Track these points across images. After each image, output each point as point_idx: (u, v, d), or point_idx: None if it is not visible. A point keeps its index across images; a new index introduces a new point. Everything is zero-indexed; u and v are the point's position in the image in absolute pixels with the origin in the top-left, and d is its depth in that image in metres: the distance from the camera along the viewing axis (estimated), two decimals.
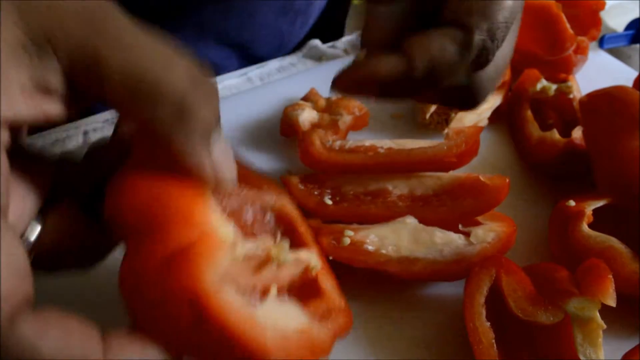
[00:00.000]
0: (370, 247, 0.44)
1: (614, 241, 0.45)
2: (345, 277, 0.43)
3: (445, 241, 0.44)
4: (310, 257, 0.37)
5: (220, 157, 0.28)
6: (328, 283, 0.39)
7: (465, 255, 0.44)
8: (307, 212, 0.46)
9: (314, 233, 0.44)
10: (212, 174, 0.28)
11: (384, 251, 0.44)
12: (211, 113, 0.27)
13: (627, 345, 0.41)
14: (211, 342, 0.27)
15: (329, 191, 0.48)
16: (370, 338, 0.44)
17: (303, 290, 0.36)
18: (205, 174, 0.28)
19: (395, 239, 0.44)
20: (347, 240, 0.44)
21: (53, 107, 0.26)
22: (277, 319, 0.30)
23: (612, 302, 0.39)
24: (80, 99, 0.27)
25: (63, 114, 0.27)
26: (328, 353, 0.34)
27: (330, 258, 0.43)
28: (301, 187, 0.48)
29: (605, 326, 0.39)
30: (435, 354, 0.43)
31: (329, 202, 0.47)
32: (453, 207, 0.46)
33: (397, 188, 0.49)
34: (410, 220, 0.45)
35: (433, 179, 0.49)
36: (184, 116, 0.26)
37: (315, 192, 0.48)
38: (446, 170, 0.49)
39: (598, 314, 0.39)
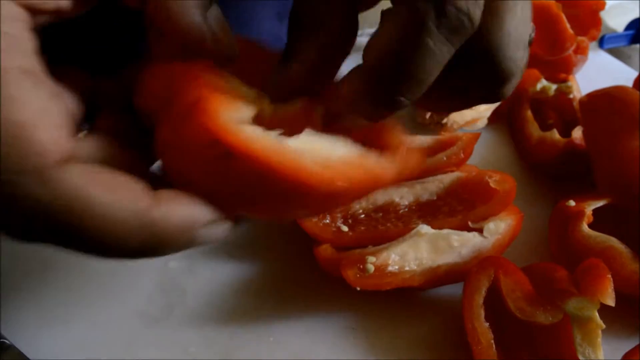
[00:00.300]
0: (394, 268, 0.44)
1: (614, 241, 0.45)
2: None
3: (462, 242, 0.45)
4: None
5: (216, 24, 0.28)
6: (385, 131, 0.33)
7: (482, 251, 0.45)
8: (320, 241, 0.46)
9: (331, 263, 0.44)
10: (210, 36, 0.28)
11: (407, 268, 0.44)
12: None
13: (627, 345, 0.41)
14: (246, 184, 0.26)
15: (339, 215, 0.48)
16: (370, 338, 0.44)
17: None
18: (204, 35, 0.28)
19: (415, 253, 0.45)
20: (372, 268, 0.43)
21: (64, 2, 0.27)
22: (317, 148, 0.28)
23: (611, 301, 0.39)
24: None
25: (73, 8, 0.27)
26: (388, 184, 0.30)
27: (359, 289, 0.43)
28: (314, 219, 0.47)
29: (604, 326, 0.39)
30: (435, 354, 0.43)
31: (345, 228, 0.47)
32: (466, 215, 0.47)
33: (403, 198, 0.49)
34: (425, 230, 0.45)
35: (435, 183, 0.50)
36: None
37: (327, 220, 0.47)
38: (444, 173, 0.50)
39: (597, 314, 0.39)
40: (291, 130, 0.29)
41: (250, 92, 0.29)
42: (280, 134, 0.28)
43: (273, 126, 0.28)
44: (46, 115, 0.24)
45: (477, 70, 0.30)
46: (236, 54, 0.30)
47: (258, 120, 0.28)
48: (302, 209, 0.29)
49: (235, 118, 0.27)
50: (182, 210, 0.26)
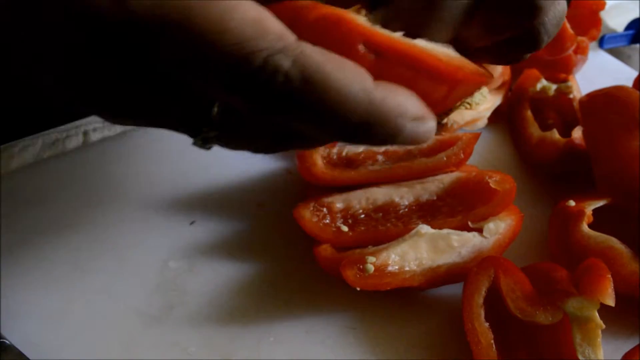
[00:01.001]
0: (393, 268, 0.44)
1: (614, 241, 0.45)
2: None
3: (462, 242, 0.45)
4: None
5: None
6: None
7: (482, 251, 0.45)
8: (320, 241, 0.47)
9: (331, 263, 0.45)
10: None
11: (407, 268, 0.44)
12: None
13: (627, 345, 0.41)
14: (398, 78, 0.29)
15: (339, 215, 0.48)
16: (370, 338, 0.44)
17: None
18: None
19: (415, 253, 0.45)
20: (371, 268, 0.43)
21: None
22: (437, 49, 0.31)
23: (610, 301, 0.39)
24: None
25: None
26: (481, 85, 0.35)
27: (358, 289, 0.43)
28: (314, 219, 0.48)
29: (604, 326, 0.39)
30: (435, 354, 0.43)
31: (345, 228, 0.47)
32: (466, 215, 0.47)
33: (403, 198, 0.49)
34: (425, 230, 0.45)
35: (435, 183, 0.50)
36: None
37: (327, 220, 0.48)
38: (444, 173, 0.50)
39: (597, 314, 0.39)
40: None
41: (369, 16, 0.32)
42: (406, 36, 0.31)
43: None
44: (267, 14, 0.27)
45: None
46: None
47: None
48: (434, 101, 0.31)
49: (371, 24, 0.30)
50: (398, 96, 0.28)
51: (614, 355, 0.42)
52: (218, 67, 0.26)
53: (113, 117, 0.31)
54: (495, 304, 0.41)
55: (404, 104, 0.28)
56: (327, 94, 0.27)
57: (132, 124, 0.31)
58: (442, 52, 0.31)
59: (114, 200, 0.52)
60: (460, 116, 0.58)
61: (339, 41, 0.29)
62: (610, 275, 0.40)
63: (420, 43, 0.31)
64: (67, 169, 0.54)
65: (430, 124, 0.30)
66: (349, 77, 0.27)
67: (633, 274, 0.43)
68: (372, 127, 0.28)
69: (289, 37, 0.27)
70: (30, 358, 0.41)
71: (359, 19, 0.29)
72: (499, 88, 0.61)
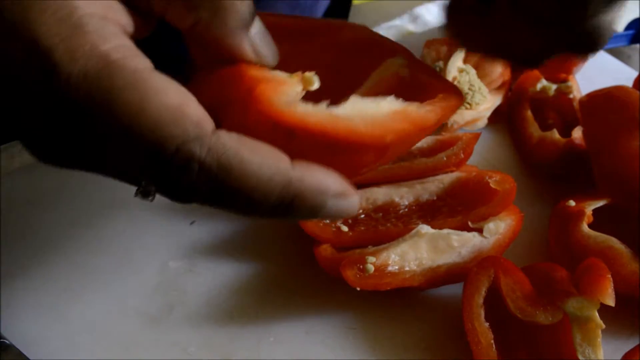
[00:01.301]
0: (393, 268, 0.44)
1: (614, 241, 0.45)
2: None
3: (462, 242, 0.45)
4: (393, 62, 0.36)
5: (258, 39, 0.31)
6: (424, 74, 0.37)
7: (482, 251, 0.45)
8: (320, 241, 0.47)
9: (331, 263, 0.44)
10: (252, 51, 0.31)
11: (407, 268, 0.44)
12: (245, 7, 0.30)
13: (627, 345, 0.41)
14: (312, 154, 0.29)
15: None
16: (370, 338, 0.44)
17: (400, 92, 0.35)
18: (246, 52, 0.31)
19: (415, 253, 0.45)
20: (371, 268, 0.43)
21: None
22: (364, 110, 0.31)
23: (610, 301, 0.39)
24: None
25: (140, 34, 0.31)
26: (433, 129, 0.34)
27: (358, 289, 0.43)
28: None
29: (604, 326, 0.39)
30: (435, 354, 0.43)
31: (345, 228, 0.47)
32: (466, 215, 0.47)
33: (403, 198, 0.49)
34: (425, 230, 0.45)
35: (435, 183, 0.50)
36: (219, 13, 0.30)
37: (327, 220, 0.48)
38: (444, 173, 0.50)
39: (597, 314, 0.39)
40: (337, 99, 0.32)
41: (292, 76, 0.32)
42: (329, 105, 0.31)
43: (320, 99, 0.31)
44: (188, 99, 0.27)
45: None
46: (276, 60, 0.33)
47: (306, 98, 0.31)
48: (363, 166, 0.32)
49: (286, 101, 0.30)
50: (316, 175, 0.29)
51: (614, 355, 0.42)
52: (135, 150, 0.27)
53: (44, 159, 0.31)
54: (495, 304, 0.41)
55: (323, 182, 0.29)
56: (243, 178, 0.27)
57: (68, 167, 0.31)
58: (368, 114, 0.31)
59: (114, 200, 0.52)
60: (460, 116, 0.58)
61: (255, 122, 0.29)
62: (610, 275, 0.40)
63: (346, 108, 0.31)
64: (67, 169, 0.54)
65: (352, 199, 0.31)
66: (265, 160, 0.28)
67: (633, 274, 0.43)
68: (292, 207, 0.29)
69: (207, 124, 0.27)
70: (30, 358, 0.41)
71: (276, 97, 0.29)
72: (499, 88, 0.61)
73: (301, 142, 0.29)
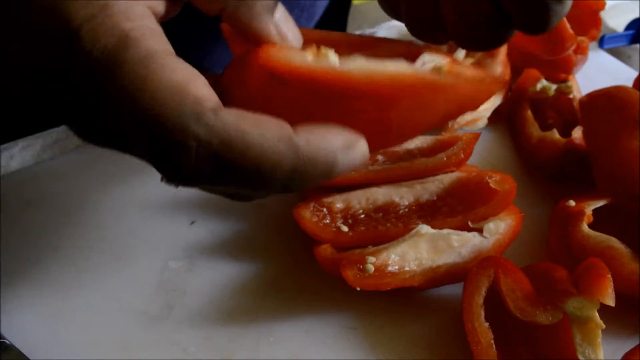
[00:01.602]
0: (393, 268, 0.44)
1: (614, 241, 0.45)
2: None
3: (462, 242, 0.45)
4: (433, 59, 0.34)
5: (282, 22, 0.32)
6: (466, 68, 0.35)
7: (482, 251, 0.45)
8: (320, 241, 0.47)
9: (331, 263, 0.44)
10: (276, 33, 0.32)
11: (407, 268, 0.44)
12: None
13: (627, 345, 0.41)
14: (306, 104, 0.29)
15: (339, 215, 0.48)
16: (370, 338, 0.44)
17: None
18: (271, 34, 0.32)
19: (415, 253, 0.45)
20: (371, 268, 0.43)
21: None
22: (367, 65, 0.30)
23: (610, 301, 0.39)
24: None
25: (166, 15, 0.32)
26: (459, 100, 0.33)
27: (358, 289, 0.43)
28: (314, 219, 0.48)
29: (604, 326, 0.39)
30: (435, 354, 0.43)
31: (345, 228, 0.47)
32: (466, 215, 0.47)
33: (403, 198, 0.49)
34: (425, 230, 0.45)
35: (435, 183, 0.50)
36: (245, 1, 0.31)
37: (327, 220, 0.48)
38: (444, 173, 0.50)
39: (597, 314, 0.39)
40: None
41: (306, 49, 0.32)
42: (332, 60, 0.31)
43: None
44: (195, 78, 0.28)
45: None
46: (300, 43, 0.33)
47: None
48: (370, 123, 0.31)
49: (286, 55, 0.30)
50: (320, 133, 0.29)
51: (614, 355, 0.42)
52: (140, 126, 0.27)
53: (81, 136, 0.31)
54: (495, 304, 0.41)
55: (327, 137, 0.29)
56: (246, 149, 0.27)
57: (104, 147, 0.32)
58: (368, 68, 0.30)
59: (114, 200, 0.52)
60: (460, 116, 0.58)
61: (254, 79, 0.29)
62: (610, 275, 0.40)
63: (349, 63, 0.30)
64: (67, 169, 0.54)
65: (361, 146, 0.30)
66: (267, 131, 0.28)
67: (633, 274, 0.43)
68: (305, 173, 0.29)
69: (209, 103, 0.27)
70: (30, 358, 0.41)
71: (277, 52, 0.30)
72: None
73: (298, 95, 0.29)
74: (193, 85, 0.27)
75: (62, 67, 0.28)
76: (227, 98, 0.29)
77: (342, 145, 0.30)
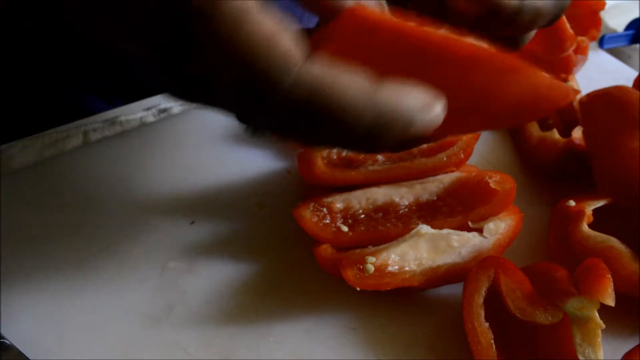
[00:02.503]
0: (393, 268, 0.44)
1: (614, 241, 0.45)
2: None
3: (462, 242, 0.45)
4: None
5: None
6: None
7: (482, 251, 0.45)
8: (320, 241, 0.47)
9: (331, 263, 0.45)
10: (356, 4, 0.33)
11: (407, 268, 0.44)
12: None
13: (627, 345, 0.41)
14: (399, 53, 0.31)
15: (339, 215, 0.48)
16: (370, 338, 0.44)
17: None
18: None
19: (415, 253, 0.45)
20: (371, 268, 0.43)
21: None
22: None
23: (610, 301, 0.39)
24: None
25: None
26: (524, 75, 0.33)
27: (358, 289, 0.43)
28: (314, 219, 0.48)
29: (604, 326, 0.39)
30: (435, 354, 0.43)
31: (345, 228, 0.47)
32: (466, 215, 0.47)
33: (403, 198, 0.49)
34: (425, 230, 0.45)
35: (435, 184, 0.50)
36: None
37: (327, 220, 0.48)
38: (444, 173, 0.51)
39: (597, 314, 0.39)
40: None
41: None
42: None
43: None
44: (283, 29, 0.29)
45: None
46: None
47: None
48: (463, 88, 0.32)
49: (376, 11, 0.32)
50: (400, 90, 0.30)
51: (614, 355, 0.42)
52: (227, 68, 0.28)
53: (171, 89, 0.33)
54: (495, 304, 0.41)
55: (407, 95, 0.30)
56: (332, 102, 0.28)
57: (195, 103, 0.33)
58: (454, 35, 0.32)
59: (114, 200, 0.52)
60: None
61: (353, 30, 0.31)
62: (610, 275, 0.40)
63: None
64: (67, 169, 0.54)
65: (437, 109, 0.31)
66: (348, 83, 0.29)
67: (633, 274, 0.43)
68: (383, 127, 0.29)
69: (295, 55, 0.28)
70: (30, 358, 0.41)
71: (371, 11, 0.31)
72: None
73: (385, 48, 0.30)
74: (281, 37, 0.28)
75: (165, 14, 0.28)
76: (316, 51, 0.30)
77: (422, 105, 0.30)
